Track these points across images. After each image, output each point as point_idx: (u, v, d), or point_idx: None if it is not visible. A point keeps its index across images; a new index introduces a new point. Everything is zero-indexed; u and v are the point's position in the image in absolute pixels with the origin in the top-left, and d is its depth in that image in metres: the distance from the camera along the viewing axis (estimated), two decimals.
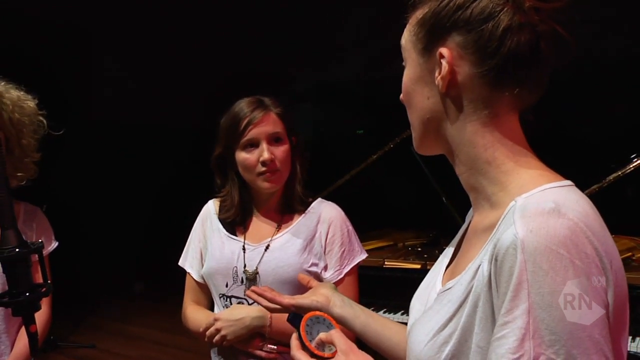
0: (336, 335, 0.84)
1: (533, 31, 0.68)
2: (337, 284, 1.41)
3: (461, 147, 0.75)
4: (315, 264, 1.44)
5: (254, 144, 1.41)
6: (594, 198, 0.70)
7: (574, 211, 0.62)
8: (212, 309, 1.53)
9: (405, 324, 0.90)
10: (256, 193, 1.49)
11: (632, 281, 2.00)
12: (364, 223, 2.07)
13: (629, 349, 2.01)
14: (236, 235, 1.50)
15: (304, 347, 0.86)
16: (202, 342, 1.42)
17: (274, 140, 1.43)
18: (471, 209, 0.82)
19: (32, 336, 0.86)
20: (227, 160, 1.47)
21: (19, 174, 1.47)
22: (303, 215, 1.49)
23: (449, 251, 0.88)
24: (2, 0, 3.61)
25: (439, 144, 0.79)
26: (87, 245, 5.27)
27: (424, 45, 0.75)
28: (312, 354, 0.84)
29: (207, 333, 1.37)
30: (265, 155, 1.39)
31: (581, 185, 0.71)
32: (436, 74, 0.73)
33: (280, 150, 1.42)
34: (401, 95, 0.81)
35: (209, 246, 1.52)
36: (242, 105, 1.44)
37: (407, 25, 0.78)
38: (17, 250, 0.81)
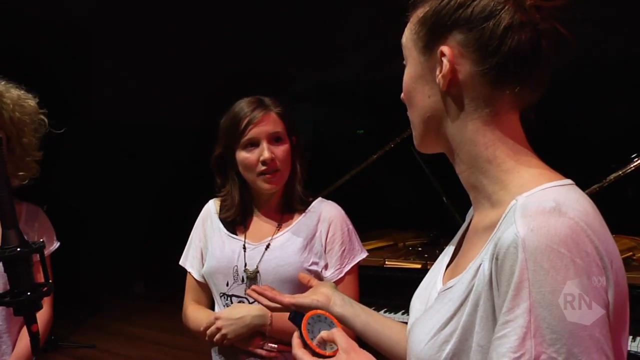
0: (338, 334, 0.84)
1: (534, 29, 0.68)
2: (337, 282, 1.41)
3: (462, 146, 0.75)
4: (316, 263, 1.44)
5: (254, 144, 1.41)
6: (595, 198, 0.70)
7: (575, 210, 0.62)
8: (212, 308, 1.53)
9: (406, 323, 0.90)
10: (256, 193, 1.49)
11: (632, 281, 2.00)
12: (364, 223, 2.07)
13: (629, 348, 2.01)
14: (237, 235, 1.50)
15: (306, 346, 0.86)
16: (202, 341, 1.42)
17: (274, 139, 1.43)
18: (471, 207, 0.82)
19: (33, 336, 0.86)
20: (227, 160, 1.48)
21: (20, 173, 1.47)
22: (303, 214, 1.50)
23: (449, 250, 0.88)
24: (2, 1, 3.61)
25: (440, 143, 0.79)
26: (87, 245, 5.27)
27: (424, 43, 0.75)
28: (313, 353, 0.84)
29: (208, 332, 1.37)
30: (266, 154, 1.39)
31: (581, 185, 0.71)
32: (437, 73, 0.73)
33: (281, 150, 1.43)
34: (402, 94, 0.81)
35: (209, 245, 1.52)
36: (243, 105, 1.44)
37: (408, 24, 0.78)
38: (18, 249, 0.82)
